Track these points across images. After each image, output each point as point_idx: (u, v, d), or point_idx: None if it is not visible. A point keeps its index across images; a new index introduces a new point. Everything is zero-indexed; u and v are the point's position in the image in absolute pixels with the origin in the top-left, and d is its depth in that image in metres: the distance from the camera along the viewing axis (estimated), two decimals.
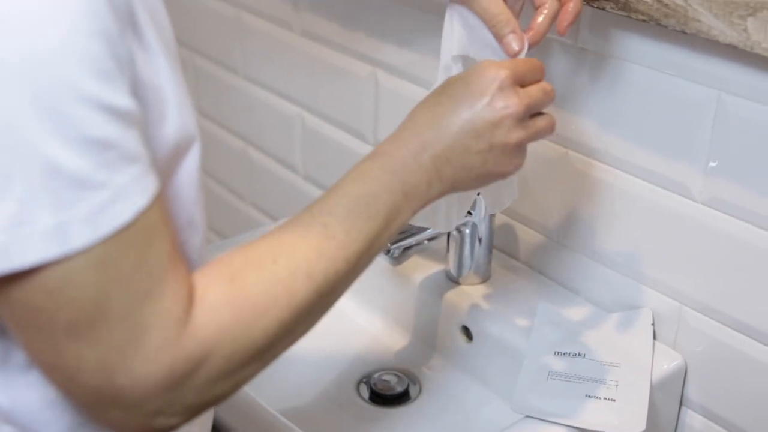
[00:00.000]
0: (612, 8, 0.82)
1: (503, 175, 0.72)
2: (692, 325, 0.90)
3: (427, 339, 1.06)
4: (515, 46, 0.76)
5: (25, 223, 0.50)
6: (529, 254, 1.06)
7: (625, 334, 0.93)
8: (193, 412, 0.59)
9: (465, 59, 0.80)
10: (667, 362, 0.91)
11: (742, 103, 0.79)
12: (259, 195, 1.50)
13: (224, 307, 0.58)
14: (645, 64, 0.86)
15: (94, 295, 0.52)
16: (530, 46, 0.76)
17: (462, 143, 0.68)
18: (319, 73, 1.27)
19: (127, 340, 0.54)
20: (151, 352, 0.54)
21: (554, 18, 0.77)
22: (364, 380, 1.02)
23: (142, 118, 0.54)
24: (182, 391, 0.56)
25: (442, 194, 0.70)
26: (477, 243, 1.01)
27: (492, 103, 0.69)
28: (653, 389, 0.88)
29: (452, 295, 1.03)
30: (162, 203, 0.56)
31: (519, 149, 0.71)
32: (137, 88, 0.54)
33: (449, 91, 0.70)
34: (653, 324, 0.93)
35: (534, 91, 0.71)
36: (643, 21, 0.80)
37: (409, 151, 0.67)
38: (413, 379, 1.02)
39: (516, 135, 0.70)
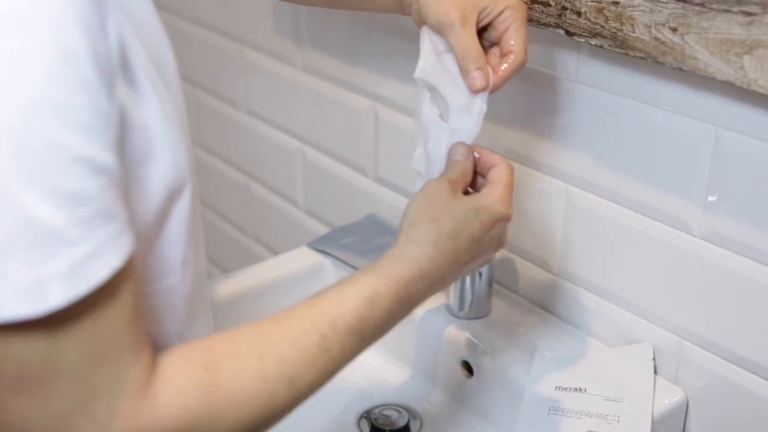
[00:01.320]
0: (610, 45, 0.83)
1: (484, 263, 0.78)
2: (693, 359, 0.90)
3: (428, 374, 1.05)
4: (478, 84, 0.78)
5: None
6: (529, 289, 1.06)
7: (626, 368, 0.93)
8: None
9: (431, 88, 0.81)
10: (668, 397, 0.91)
11: (740, 139, 0.80)
12: (261, 229, 1.50)
13: (192, 391, 0.56)
14: (643, 101, 0.87)
15: (43, 352, 0.50)
16: (490, 91, 0.78)
17: (465, 265, 0.74)
18: (320, 108, 1.28)
19: (74, 404, 0.52)
20: (101, 420, 0.52)
21: (517, 70, 0.79)
22: (365, 415, 1.01)
23: (122, 174, 0.53)
24: None
25: (431, 293, 0.73)
26: (477, 277, 1.01)
27: (498, 240, 0.76)
28: (654, 424, 0.87)
29: (453, 329, 1.03)
30: (132, 266, 0.54)
31: (494, 242, 0.77)
32: (124, 130, 0.53)
33: (468, 229, 0.73)
34: (654, 359, 0.93)
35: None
36: (641, 58, 0.81)
37: (426, 284, 0.70)
38: (414, 414, 1.01)
39: (500, 243, 0.78)
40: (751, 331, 0.84)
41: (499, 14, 0.79)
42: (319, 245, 1.17)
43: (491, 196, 0.74)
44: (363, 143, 1.23)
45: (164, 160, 0.57)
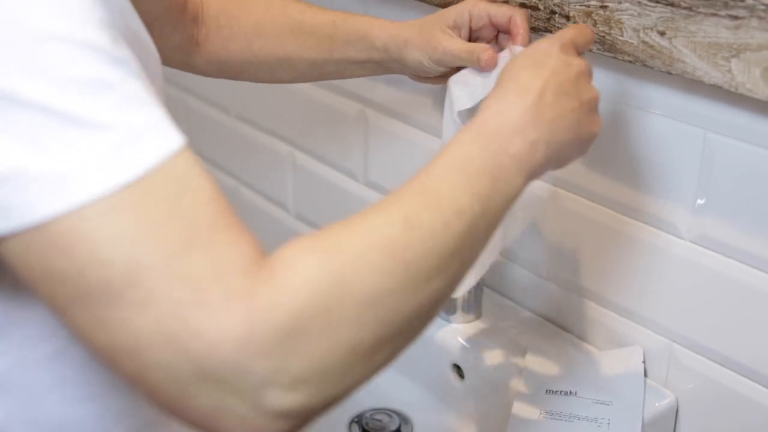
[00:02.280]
0: (599, 49, 0.83)
1: (593, 136, 0.70)
2: (683, 362, 0.90)
3: (419, 378, 1.05)
4: (484, 57, 0.80)
5: (18, 175, 0.45)
6: (519, 292, 1.06)
7: (616, 372, 0.93)
8: (311, 390, 0.49)
9: (470, 110, 0.82)
10: (658, 400, 0.91)
11: (728, 142, 0.80)
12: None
13: (309, 257, 0.50)
14: (632, 104, 0.87)
15: (122, 249, 0.46)
16: (523, 45, 0.82)
17: (554, 101, 0.66)
18: (310, 112, 1.28)
19: (178, 297, 0.46)
20: (215, 306, 0.46)
21: (527, 19, 0.83)
22: (356, 420, 1.01)
23: (145, 75, 0.50)
24: (284, 355, 0.47)
25: (548, 160, 0.65)
26: None
27: (565, 61, 0.69)
28: (645, 427, 0.88)
29: (443, 333, 1.03)
30: (195, 160, 0.50)
31: (597, 104, 0.71)
32: None
33: (518, 66, 0.68)
34: (644, 362, 0.93)
35: (580, 48, 0.73)
36: (629, 62, 0.81)
37: (507, 119, 0.63)
38: (405, 419, 1.01)
39: (594, 90, 0.70)
40: (741, 333, 0.85)
41: (470, 18, 0.84)
42: None
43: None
44: (353, 147, 1.23)
45: None
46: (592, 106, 0.70)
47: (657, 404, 0.90)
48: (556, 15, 0.85)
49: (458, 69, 0.85)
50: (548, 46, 0.69)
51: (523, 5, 0.88)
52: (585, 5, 0.83)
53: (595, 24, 0.82)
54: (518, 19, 0.83)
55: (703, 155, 0.83)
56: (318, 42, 0.90)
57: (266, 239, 1.62)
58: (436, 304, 0.56)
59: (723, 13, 0.72)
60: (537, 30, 0.88)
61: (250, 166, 1.45)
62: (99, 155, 0.45)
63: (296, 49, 0.91)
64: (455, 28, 0.85)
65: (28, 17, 0.46)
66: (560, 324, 1.02)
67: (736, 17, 0.72)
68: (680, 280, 0.88)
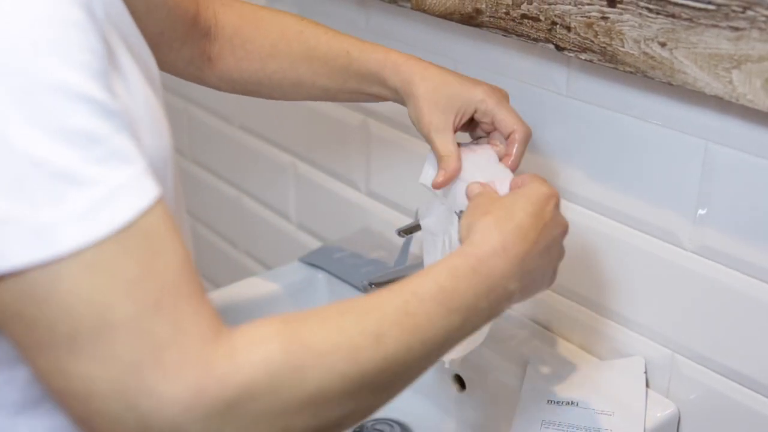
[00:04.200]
0: (599, 60, 0.83)
1: (545, 288, 0.76)
2: (685, 373, 0.90)
3: (420, 388, 1.05)
4: (438, 180, 0.83)
5: (5, 222, 0.46)
6: (521, 303, 1.06)
7: (617, 382, 0.93)
8: None
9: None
10: (660, 410, 0.91)
11: (729, 152, 0.80)
12: (253, 243, 1.50)
13: (274, 340, 0.53)
14: (633, 115, 0.87)
15: (93, 304, 0.48)
16: (513, 168, 0.85)
17: (539, 255, 0.71)
18: (312, 123, 1.28)
19: (139, 356, 0.49)
20: (170, 369, 0.49)
21: (527, 141, 0.85)
22: (357, 430, 1.01)
23: (131, 124, 0.51)
24: (222, 424, 0.50)
25: (514, 303, 0.71)
26: None
27: (556, 219, 0.74)
28: None
29: None
30: (167, 214, 0.51)
31: (558, 265, 0.77)
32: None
33: (518, 205, 0.72)
34: (646, 372, 0.93)
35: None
36: (630, 73, 0.81)
37: (502, 262, 0.67)
38: (406, 429, 1.01)
39: (563, 251, 0.76)
40: (743, 344, 0.85)
41: (475, 112, 0.85)
42: (312, 259, 1.17)
43: (528, 182, 0.76)
44: (355, 158, 1.23)
45: (147, 146, 0.56)
46: (556, 264, 0.76)
47: (659, 414, 0.90)
48: (557, 26, 0.86)
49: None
50: (549, 197, 0.74)
51: (524, 16, 0.88)
52: (586, 16, 0.83)
53: (596, 35, 0.83)
54: (517, 138, 0.84)
55: (704, 166, 0.83)
56: (331, 71, 0.90)
57: (269, 249, 1.62)
58: (371, 412, 0.61)
59: (724, 24, 0.73)
60: (538, 41, 0.88)
61: (252, 176, 1.46)
62: (79, 210, 0.47)
63: (310, 75, 0.91)
64: (457, 115, 0.85)
65: (31, 64, 0.47)
66: (562, 334, 1.02)
67: (737, 28, 0.72)
68: (682, 290, 0.88)
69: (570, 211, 0.96)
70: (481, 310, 0.66)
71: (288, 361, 0.53)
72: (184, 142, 1.59)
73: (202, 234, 1.62)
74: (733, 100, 0.74)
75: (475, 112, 0.85)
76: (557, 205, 0.75)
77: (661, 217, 0.88)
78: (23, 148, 0.46)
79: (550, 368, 0.96)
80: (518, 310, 1.06)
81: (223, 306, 1.08)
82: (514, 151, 0.84)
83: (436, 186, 0.84)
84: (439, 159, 0.84)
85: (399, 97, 0.89)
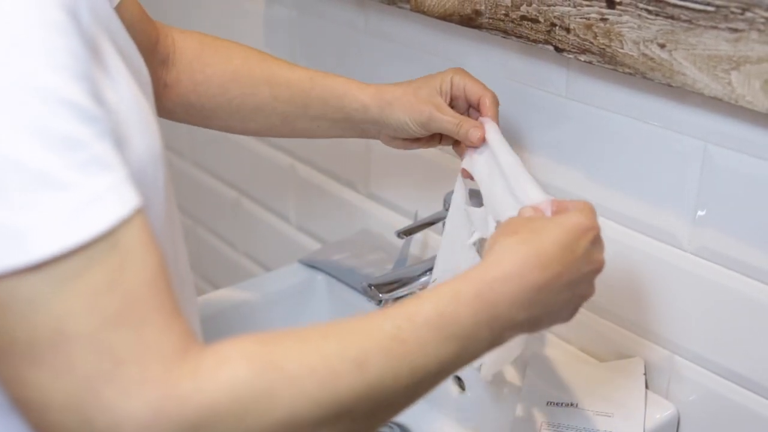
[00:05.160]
0: (599, 62, 0.83)
1: (560, 323, 0.71)
2: (684, 374, 0.90)
3: None
4: (479, 134, 0.85)
5: None
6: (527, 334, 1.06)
7: (617, 383, 0.93)
8: None
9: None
10: (659, 412, 0.91)
11: (728, 154, 0.80)
12: (253, 244, 1.50)
13: (242, 360, 0.50)
14: (632, 116, 0.87)
15: (52, 314, 0.47)
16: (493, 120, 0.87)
17: (558, 290, 0.66)
18: None
19: (95, 370, 0.47)
20: (129, 385, 0.47)
21: (496, 103, 0.88)
22: None
23: (113, 130, 0.50)
24: None
25: (520, 333, 0.67)
26: None
27: (589, 256, 0.68)
28: None
29: None
30: (145, 225, 0.50)
31: (583, 303, 0.72)
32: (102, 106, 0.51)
33: (550, 233, 0.67)
34: (645, 373, 0.93)
35: (603, 241, 0.71)
36: (630, 74, 0.81)
37: (511, 289, 0.63)
38: (406, 430, 1.01)
39: (592, 289, 0.71)
40: (742, 345, 0.85)
41: (451, 86, 0.88)
42: (311, 261, 1.17)
43: (571, 209, 0.71)
44: (355, 159, 1.23)
45: (138, 140, 0.55)
46: (578, 303, 0.71)
47: (658, 416, 0.90)
48: (557, 27, 0.86)
49: (441, 136, 0.90)
50: (586, 230, 0.68)
51: (523, 18, 0.88)
52: (585, 18, 0.83)
53: (595, 36, 0.83)
54: (487, 101, 0.87)
55: (703, 167, 0.83)
56: (293, 95, 0.90)
57: (268, 251, 1.62)
58: None
59: (723, 25, 0.73)
60: (537, 42, 0.88)
61: (251, 177, 1.46)
62: (55, 216, 0.46)
63: (270, 100, 0.91)
64: (441, 94, 0.87)
65: (13, 67, 0.47)
66: (561, 335, 1.02)
67: (735, 30, 0.72)
68: (681, 291, 0.88)
69: None
70: (481, 340, 0.62)
71: (255, 384, 0.50)
72: (184, 144, 1.59)
73: (202, 236, 1.62)
74: (732, 102, 0.74)
75: (453, 86, 0.87)
76: (595, 241, 0.69)
77: (660, 218, 0.88)
78: (2, 150, 0.46)
79: (550, 370, 0.96)
80: None
81: (223, 308, 1.09)
82: (488, 113, 0.87)
83: (478, 142, 0.85)
84: (455, 127, 0.86)
85: (368, 116, 0.89)
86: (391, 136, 0.91)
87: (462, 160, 0.89)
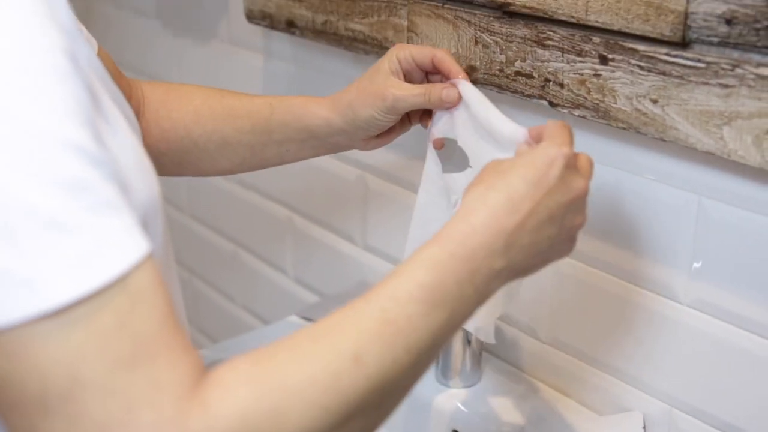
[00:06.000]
0: (593, 116, 0.84)
1: (559, 258, 0.70)
2: (682, 427, 0.90)
3: None
4: (451, 95, 0.83)
5: None
6: (519, 357, 1.06)
7: None
8: None
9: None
10: None
11: (722, 207, 0.81)
12: (250, 297, 1.50)
13: (245, 386, 0.50)
14: (627, 170, 0.88)
15: (64, 363, 0.46)
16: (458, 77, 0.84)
17: (536, 227, 0.64)
18: (310, 177, 1.29)
19: (111, 417, 0.46)
20: (145, 428, 0.47)
21: (447, 57, 0.85)
22: None
23: (119, 172, 0.51)
24: None
25: (507, 281, 0.65)
26: (467, 345, 1.01)
27: (564, 184, 0.65)
28: None
29: (442, 398, 1.02)
30: (154, 269, 0.50)
31: (577, 232, 0.69)
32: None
33: (517, 172, 0.65)
34: (644, 427, 0.92)
35: (587, 164, 0.70)
36: (623, 129, 0.82)
37: (484, 239, 0.61)
38: None
39: (581, 217, 0.68)
40: (738, 398, 0.84)
41: (399, 62, 0.86)
42: (309, 314, 1.17)
43: (541, 143, 0.68)
44: (352, 212, 1.24)
45: (138, 186, 0.55)
46: (572, 234, 0.68)
47: None
48: (551, 83, 0.87)
49: (408, 115, 0.89)
50: (554, 158, 0.65)
51: (518, 73, 0.90)
52: (579, 73, 0.84)
53: (589, 92, 0.84)
54: (440, 55, 0.85)
55: (697, 220, 0.83)
56: (255, 124, 0.91)
57: (266, 304, 1.62)
58: (372, 430, 0.56)
59: (714, 81, 0.74)
60: (531, 97, 0.89)
61: (249, 230, 1.46)
62: (68, 262, 0.46)
63: (234, 133, 0.92)
64: (394, 74, 0.86)
65: (22, 113, 0.47)
66: (560, 389, 1.01)
67: (726, 86, 0.73)
68: (679, 344, 0.88)
69: (567, 265, 0.96)
70: (467, 298, 0.60)
71: (262, 406, 0.50)
72: (182, 197, 1.60)
73: (200, 289, 1.62)
74: (725, 156, 0.75)
75: (400, 62, 0.86)
76: (566, 167, 0.65)
77: (657, 270, 0.88)
78: (14, 196, 0.46)
79: (549, 424, 0.96)
80: (516, 364, 1.06)
81: (221, 362, 1.08)
82: (449, 65, 0.84)
83: (454, 99, 0.83)
84: (422, 96, 0.84)
85: (333, 128, 0.88)
86: (365, 139, 0.90)
87: (430, 130, 0.88)
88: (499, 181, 0.64)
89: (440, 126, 0.87)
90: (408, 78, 0.87)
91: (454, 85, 0.84)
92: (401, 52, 0.86)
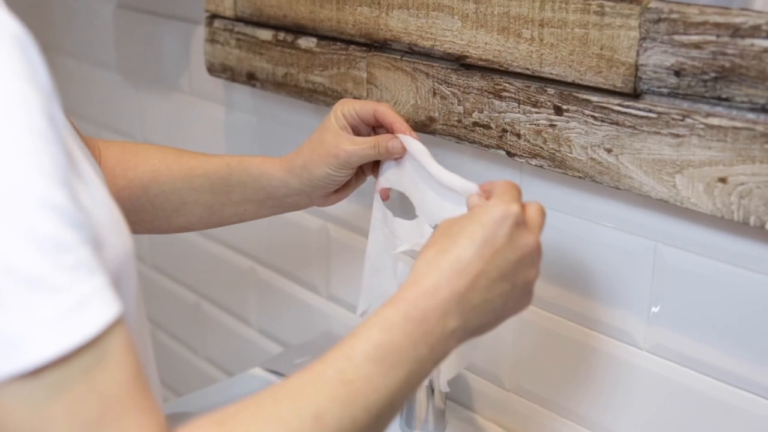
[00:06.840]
0: (549, 165, 0.86)
1: (518, 312, 0.70)
2: None
3: None
4: (395, 146, 0.86)
5: None
6: (483, 405, 1.06)
7: None
8: None
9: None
10: None
11: (678, 253, 0.83)
12: (213, 349, 1.49)
13: None
14: (584, 217, 0.90)
15: (34, 425, 0.47)
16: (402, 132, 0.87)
17: (488, 286, 0.65)
18: (272, 227, 1.29)
19: None
20: None
21: (391, 110, 0.88)
22: None
23: (94, 229, 0.52)
24: None
25: (464, 340, 0.66)
26: (430, 394, 1.01)
27: (513, 242, 0.66)
28: None
29: None
30: (124, 330, 0.51)
31: (533, 286, 0.70)
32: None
33: (465, 233, 0.66)
34: None
35: (537, 218, 0.70)
36: (579, 177, 0.84)
37: (436, 301, 0.63)
38: None
39: (534, 271, 0.69)
40: None
41: (345, 118, 0.88)
42: (273, 365, 1.16)
43: (489, 201, 0.69)
44: (315, 262, 1.24)
45: (112, 241, 0.56)
46: (527, 289, 0.69)
47: None
48: (508, 133, 0.89)
49: (362, 168, 0.91)
50: (503, 217, 0.66)
51: (476, 124, 0.91)
52: (534, 124, 0.86)
53: (545, 141, 0.86)
54: (381, 109, 0.87)
55: (655, 265, 0.85)
56: (213, 184, 0.92)
57: (229, 356, 1.60)
58: None
59: (665, 131, 0.76)
60: (489, 147, 0.91)
61: (212, 281, 1.46)
62: (48, 321, 0.46)
63: (191, 193, 0.92)
64: (344, 130, 0.88)
65: (4, 174, 0.48)
66: None
67: (677, 135, 0.75)
68: (639, 389, 0.89)
69: (529, 313, 0.96)
70: (423, 357, 0.61)
71: None
72: (144, 248, 1.59)
73: (163, 341, 1.60)
74: (678, 204, 0.76)
75: (345, 118, 0.87)
76: (515, 225, 0.66)
77: (616, 316, 0.89)
78: None
79: None
80: (480, 412, 1.06)
81: (185, 416, 1.07)
82: (391, 120, 0.86)
83: (400, 150, 0.86)
84: (372, 149, 0.86)
85: (290, 189, 0.89)
86: (323, 196, 0.91)
87: (378, 180, 0.90)
88: (450, 244, 0.65)
89: (387, 176, 0.89)
90: (356, 132, 0.89)
91: (396, 137, 0.87)
92: (345, 108, 0.88)
